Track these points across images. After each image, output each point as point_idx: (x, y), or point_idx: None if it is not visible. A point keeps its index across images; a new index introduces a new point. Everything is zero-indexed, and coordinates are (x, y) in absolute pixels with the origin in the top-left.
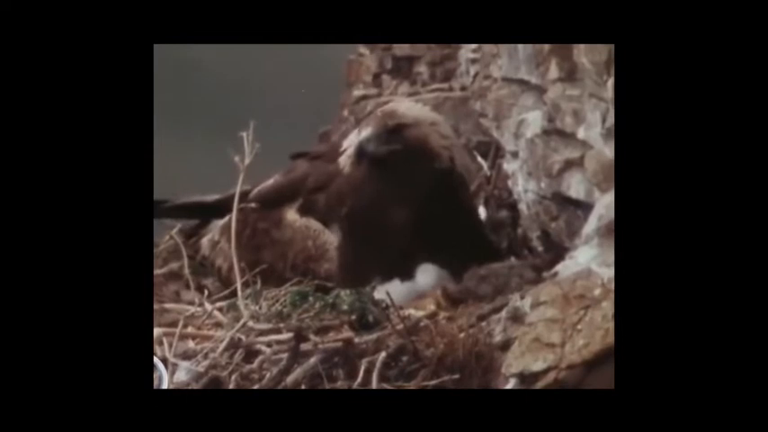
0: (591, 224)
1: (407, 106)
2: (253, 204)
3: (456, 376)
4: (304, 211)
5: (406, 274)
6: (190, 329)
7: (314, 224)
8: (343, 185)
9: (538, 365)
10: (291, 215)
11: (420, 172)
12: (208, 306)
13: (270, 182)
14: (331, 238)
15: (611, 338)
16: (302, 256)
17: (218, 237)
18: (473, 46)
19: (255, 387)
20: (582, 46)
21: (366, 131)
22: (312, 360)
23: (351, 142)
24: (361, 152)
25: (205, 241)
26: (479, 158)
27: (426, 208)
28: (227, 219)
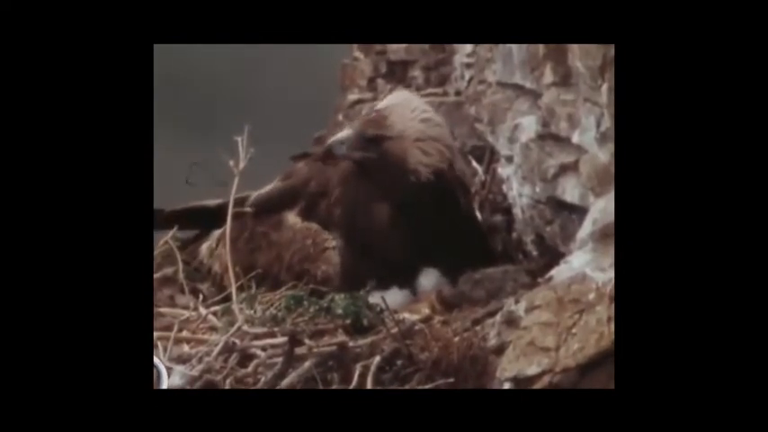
0: (585, 228)
1: (402, 113)
2: (248, 209)
3: (451, 380)
4: (306, 215)
5: (406, 279)
6: (184, 333)
7: (315, 226)
8: (340, 192)
9: (532, 369)
10: (292, 218)
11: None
12: (202, 310)
13: (269, 187)
14: (331, 239)
15: (605, 342)
16: (299, 256)
17: (215, 244)
18: (468, 51)
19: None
20: (577, 50)
21: (343, 133)
22: (307, 364)
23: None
24: (328, 152)
25: (203, 248)
26: (474, 163)
27: (425, 213)
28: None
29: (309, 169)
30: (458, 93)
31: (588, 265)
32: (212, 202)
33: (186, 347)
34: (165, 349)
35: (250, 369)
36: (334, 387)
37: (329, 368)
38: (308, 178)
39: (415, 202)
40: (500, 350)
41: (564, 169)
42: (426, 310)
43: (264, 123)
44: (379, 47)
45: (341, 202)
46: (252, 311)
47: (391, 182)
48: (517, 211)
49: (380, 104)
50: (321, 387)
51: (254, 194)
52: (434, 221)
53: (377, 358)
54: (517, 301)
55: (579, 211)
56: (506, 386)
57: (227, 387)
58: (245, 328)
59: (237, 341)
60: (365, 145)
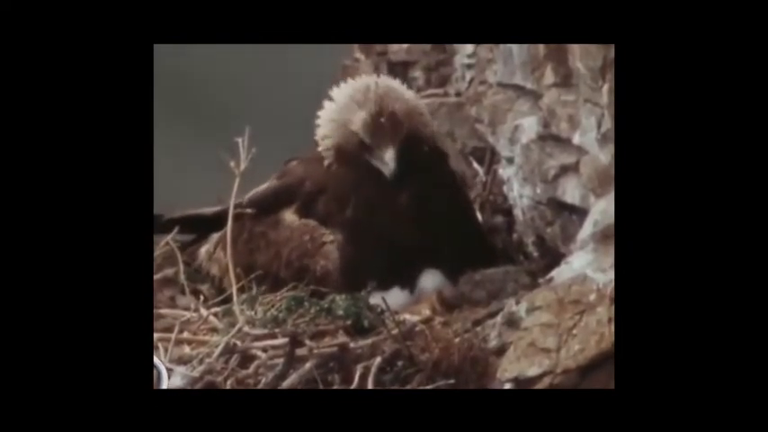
0: (586, 229)
1: (396, 96)
2: (248, 210)
3: (451, 381)
4: (303, 213)
5: (407, 280)
6: (185, 335)
7: (312, 222)
8: (340, 189)
9: (533, 370)
10: (290, 216)
11: (415, 162)
12: (203, 311)
13: (264, 186)
14: (328, 234)
15: (606, 343)
16: (297, 252)
17: (213, 248)
18: (468, 51)
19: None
20: (577, 51)
21: (389, 154)
22: (307, 365)
23: (336, 138)
24: (398, 178)
25: (202, 252)
26: (475, 164)
27: (428, 210)
28: (224, 231)
29: (304, 169)
30: (458, 94)
31: (589, 266)
32: (209, 210)
33: (187, 348)
34: (165, 350)
35: (251, 370)
36: (334, 388)
37: (330, 369)
38: (302, 177)
39: (429, 177)
40: (501, 351)
41: (564, 170)
42: (427, 311)
43: (264, 124)
44: (379, 48)
45: (350, 201)
46: (253, 313)
47: (412, 162)
48: (518, 213)
49: (372, 107)
50: (322, 388)
51: (250, 193)
52: (441, 220)
53: (377, 359)
54: (518, 302)
55: (580, 212)
56: (507, 387)
57: (227, 388)
58: (246, 329)
59: (238, 342)
60: (403, 147)
